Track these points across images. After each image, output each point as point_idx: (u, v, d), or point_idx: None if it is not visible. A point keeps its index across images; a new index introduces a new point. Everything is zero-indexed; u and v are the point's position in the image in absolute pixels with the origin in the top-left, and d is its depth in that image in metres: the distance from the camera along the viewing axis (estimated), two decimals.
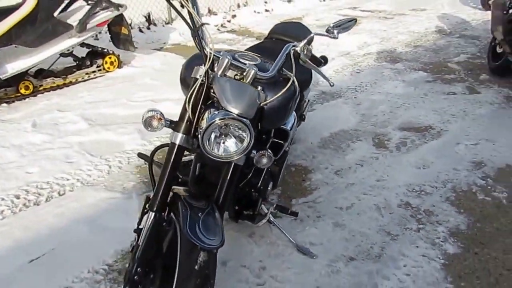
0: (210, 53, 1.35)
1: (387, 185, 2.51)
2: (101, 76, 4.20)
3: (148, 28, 5.82)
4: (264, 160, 1.49)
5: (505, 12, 3.89)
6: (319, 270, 1.88)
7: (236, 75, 1.45)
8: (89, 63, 4.12)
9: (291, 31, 2.49)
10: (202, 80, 1.35)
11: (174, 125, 1.37)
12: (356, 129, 3.23)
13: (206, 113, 1.35)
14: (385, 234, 2.11)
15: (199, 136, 1.31)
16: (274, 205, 2.04)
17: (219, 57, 1.41)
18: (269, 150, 1.50)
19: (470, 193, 2.44)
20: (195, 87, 1.36)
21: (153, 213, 1.36)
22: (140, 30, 5.70)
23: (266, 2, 7.56)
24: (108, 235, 2.07)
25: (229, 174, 1.45)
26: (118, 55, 4.33)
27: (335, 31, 1.64)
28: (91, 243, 2.03)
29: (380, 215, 2.26)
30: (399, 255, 1.98)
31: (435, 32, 6.05)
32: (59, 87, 3.90)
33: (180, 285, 1.24)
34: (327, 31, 1.66)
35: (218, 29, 6.24)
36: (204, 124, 1.30)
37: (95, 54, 4.16)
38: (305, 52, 1.60)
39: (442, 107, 3.62)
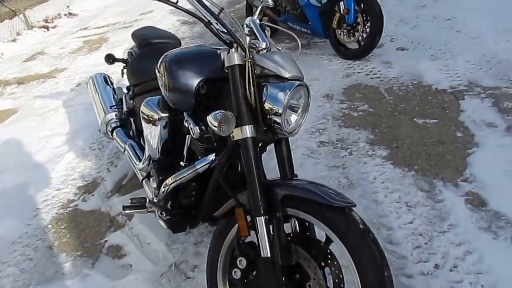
0: (244, 35, 1.43)
1: None
2: None
3: None
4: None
5: None
6: None
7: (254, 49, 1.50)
8: None
9: (159, 33, 2.71)
10: (250, 61, 1.39)
11: (232, 122, 1.38)
12: None
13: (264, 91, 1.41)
14: None
15: (271, 117, 1.40)
16: None
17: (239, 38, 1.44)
18: None
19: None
20: (249, 69, 1.39)
21: (263, 217, 1.36)
22: None
23: None
24: None
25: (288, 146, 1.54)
26: None
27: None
28: None
29: None
30: None
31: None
32: None
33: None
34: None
35: None
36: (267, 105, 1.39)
37: None
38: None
39: None
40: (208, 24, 1.43)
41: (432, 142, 2.81)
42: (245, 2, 5.66)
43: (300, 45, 1.73)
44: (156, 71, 1.74)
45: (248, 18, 1.57)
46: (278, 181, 1.47)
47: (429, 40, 4.49)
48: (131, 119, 2.49)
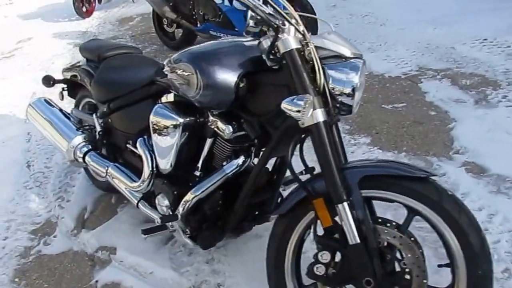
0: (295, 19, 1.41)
1: None
2: None
3: None
4: None
5: None
6: None
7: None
8: None
9: (111, 43, 2.65)
10: (312, 43, 1.38)
11: (311, 105, 1.34)
12: None
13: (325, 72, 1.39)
14: None
15: (338, 98, 1.39)
16: None
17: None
18: None
19: None
20: (314, 56, 1.37)
21: (346, 203, 1.33)
22: None
23: None
24: None
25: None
26: None
27: None
28: None
29: None
30: None
31: None
32: None
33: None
34: None
35: None
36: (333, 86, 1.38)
37: None
38: None
39: None
40: (255, 8, 1.41)
41: (409, 123, 2.94)
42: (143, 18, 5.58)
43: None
44: (175, 73, 1.64)
45: None
46: (349, 165, 1.44)
47: (358, 35, 4.76)
48: (106, 140, 2.26)
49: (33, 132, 3.59)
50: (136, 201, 2.01)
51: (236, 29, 4.43)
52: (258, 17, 1.44)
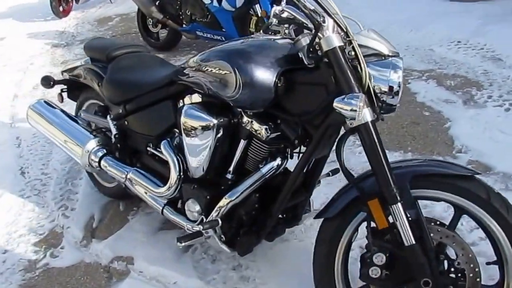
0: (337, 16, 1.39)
1: None
2: None
3: None
4: None
5: None
6: None
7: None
8: None
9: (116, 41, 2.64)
10: (355, 41, 1.37)
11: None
12: None
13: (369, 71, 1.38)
14: None
15: (381, 97, 1.39)
16: None
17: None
18: None
19: None
20: (358, 53, 1.36)
21: (399, 203, 1.33)
22: None
23: None
24: None
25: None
26: None
27: None
28: None
29: None
30: None
31: None
32: None
33: None
34: None
35: None
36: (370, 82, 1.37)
37: None
38: None
39: None
40: (300, 3, 1.38)
41: (408, 123, 3.01)
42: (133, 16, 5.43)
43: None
44: (205, 73, 1.59)
45: (278, 8, 1.51)
46: (397, 164, 1.44)
47: None
48: (123, 143, 2.17)
49: (23, 136, 3.44)
50: (160, 208, 1.94)
51: (224, 30, 4.40)
52: (284, 16, 1.46)
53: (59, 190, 2.82)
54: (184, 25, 4.88)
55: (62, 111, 2.45)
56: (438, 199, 1.42)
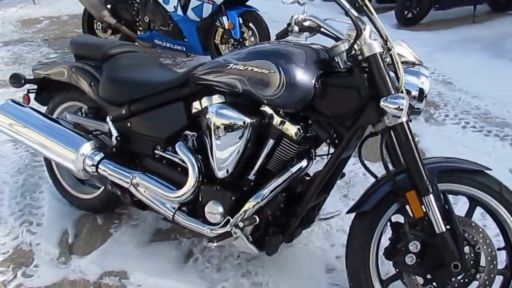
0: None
1: None
2: None
3: None
4: None
5: None
6: None
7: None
8: None
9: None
10: (393, 48, 1.46)
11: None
12: None
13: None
14: None
15: (411, 102, 1.49)
16: None
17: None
18: None
19: None
20: (396, 60, 1.44)
21: (432, 194, 1.42)
22: None
23: None
24: None
25: None
26: None
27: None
28: None
29: None
30: None
31: None
32: None
33: None
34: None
35: None
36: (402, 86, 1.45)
37: None
38: None
39: None
40: (346, 13, 1.45)
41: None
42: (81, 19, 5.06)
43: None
44: (251, 72, 1.56)
45: (301, 16, 1.58)
46: (425, 161, 1.51)
47: None
48: (125, 145, 1.98)
49: None
50: (171, 213, 1.78)
51: (186, 40, 4.26)
52: (306, 25, 1.55)
53: (16, 205, 2.50)
54: (140, 33, 4.63)
55: (37, 111, 2.18)
56: (456, 193, 1.54)
